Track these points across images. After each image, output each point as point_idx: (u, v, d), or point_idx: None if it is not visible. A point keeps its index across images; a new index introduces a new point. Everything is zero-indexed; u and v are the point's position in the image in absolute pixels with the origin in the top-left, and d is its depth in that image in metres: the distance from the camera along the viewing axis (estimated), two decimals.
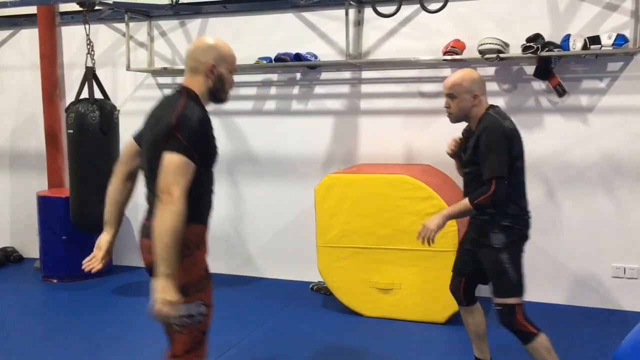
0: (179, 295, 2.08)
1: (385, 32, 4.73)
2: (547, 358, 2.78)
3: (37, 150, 5.75)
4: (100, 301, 4.69)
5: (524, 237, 2.90)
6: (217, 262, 5.34)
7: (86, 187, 4.64)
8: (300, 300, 4.65)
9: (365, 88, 4.89)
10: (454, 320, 4.00)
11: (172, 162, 2.10)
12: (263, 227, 5.21)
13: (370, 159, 4.83)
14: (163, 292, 2.05)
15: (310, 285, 4.91)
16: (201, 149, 2.18)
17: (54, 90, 5.59)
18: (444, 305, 3.98)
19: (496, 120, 2.82)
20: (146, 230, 2.25)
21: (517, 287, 2.81)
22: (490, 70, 4.55)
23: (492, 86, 4.56)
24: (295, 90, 5.05)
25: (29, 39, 5.73)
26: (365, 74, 4.86)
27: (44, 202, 5.27)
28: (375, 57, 4.78)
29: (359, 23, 4.78)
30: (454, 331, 3.92)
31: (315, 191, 4.29)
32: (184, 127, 2.14)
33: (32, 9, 5.50)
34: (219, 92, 2.35)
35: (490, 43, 4.30)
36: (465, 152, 2.95)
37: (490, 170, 2.73)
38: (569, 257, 4.43)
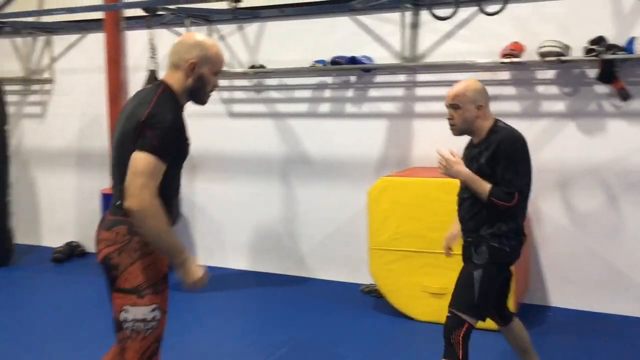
0: (202, 268, 2.16)
1: (441, 34, 4.70)
2: None
3: (101, 150, 5.99)
4: None
5: (507, 263, 2.78)
6: (269, 262, 5.46)
7: None
8: (350, 302, 4.66)
9: (420, 91, 4.86)
10: None
11: (142, 162, 2.03)
12: (315, 228, 5.25)
13: (424, 162, 4.80)
14: (190, 276, 2.13)
15: (361, 287, 4.91)
16: (171, 149, 2.10)
17: (119, 93, 5.80)
18: None
19: (514, 131, 2.74)
20: (104, 222, 2.23)
21: (475, 309, 2.69)
22: (551, 74, 4.45)
23: (552, 89, 4.46)
24: (350, 93, 5.08)
25: (95, 43, 5.97)
26: (420, 77, 4.83)
27: (106, 200, 5.47)
28: (431, 60, 4.74)
29: (415, 26, 4.77)
30: None
31: (368, 194, 4.30)
32: (155, 125, 2.05)
33: (99, 14, 5.74)
34: (198, 93, 2.25)
35: (550, 45, 4.21)
36: (472, 167, 2.76)
37: (517, 182, 2.62)
38: (631, 265, 4.27)
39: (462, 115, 2.76)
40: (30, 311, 4.57)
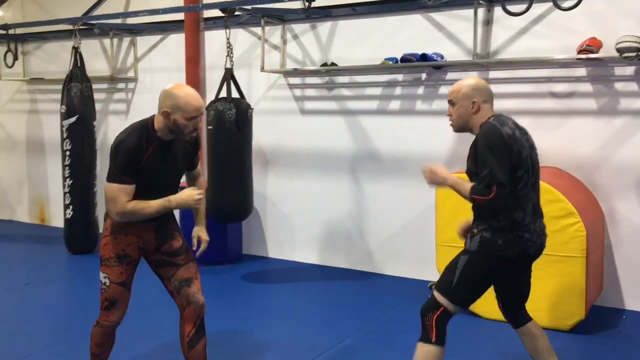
0: (190, 190, 2.73)
1: (515, 31, 4.64)
2: None
3: None
4: (230, 285, 5.03)
5: (504, 258, 2.66)
6: (338, 257, 5.55)
7: (221, 179, 5.01)
8: (417, 298, 4.66)
9: (492, 88, 4.79)
10: (580, 328, 3.86)
11: (105, 191, 2.66)
12: (384, 224, 5.30)
13: None
14: (185, 203, 2.69)
15: (429, 284, 4.92)
16: (128, 171, 2.62)
17: (197, 90, 6.07)
18: (569, 313, 3.85)
19: (494, 126, 2.68)
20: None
21: (452, 293, 2.68)
22: (630, 70, 4.31)
23: (631, 86, 4.32)
24: (420, 90, 5.10)
25: (176, 43, 6.27)
26: (493, 74, 4.79)
27: None
28: (504, 56, 4.70)
29: (487, 22, 4.73)
30: (580, 340, 3.78)
31: (436, 190, 4.31)
32: (114, 154, 2.64)
33: (179, 16, 6.03)
34: (178, 134, 2.70)
35: (629, 41, 4.08)
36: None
37: (490, 176, 2.55)
38: None
39: (457, 111, 2.81)
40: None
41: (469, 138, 4.82)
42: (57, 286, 5.24)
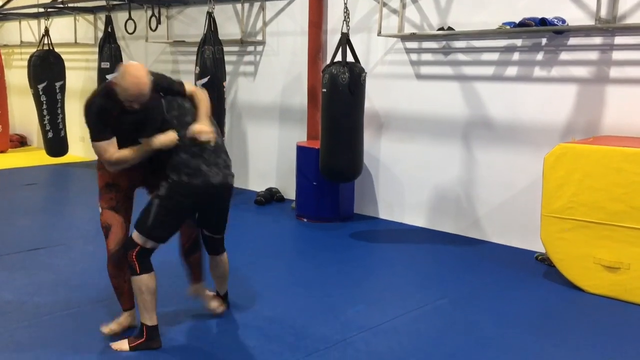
0: (174, 134, 3.10)
1: None
2: (138, 296, 3.09)
3: (301, 106, 6.60)
4: (338, 242, 5.31)
5: (190, 193, 3.08)
6: (446, 222, 5.62)
7: (334, 140, 5.25)
8: (521, 268, 4.66)
9: (617, 55, 4.56)
10: None
11: (94, 149, 3.04)
12: (493, 192, 5.27)
13: (614, 131, 4.54)
14: (164, 142, 3.07)
15: (535, 255, 4.87)
16: (104, 127, 2.99)
17: (318, 54, 6.32)
18: None
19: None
20: None
21: (150, 232, 3.07)
22: None
23: None
24: (539, 56, 4.93)
25: (300, 7, 6.53)
26: (619, 40, 4.52)
27: (301, 152, 6.07)
28: (632, 21, 4.41)
29: None
30: None
31: (544, 159, 4.23)
32: (86, 117, 3.03)
33: None
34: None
35: None
36: None
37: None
38: None
39: None
40: (229, 240, 5.27)
41: (588, 108, 4.67)
42: None
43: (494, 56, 5.19)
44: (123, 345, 3.14)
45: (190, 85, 3.40)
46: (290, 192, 6.70)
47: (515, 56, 5.07)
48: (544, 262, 4.72)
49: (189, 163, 3.08)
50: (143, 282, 3.09)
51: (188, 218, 3.31)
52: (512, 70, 5.10)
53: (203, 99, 3.32)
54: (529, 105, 5.00)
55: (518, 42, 5.03)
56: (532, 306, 3.92)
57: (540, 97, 4.93)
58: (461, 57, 5.39)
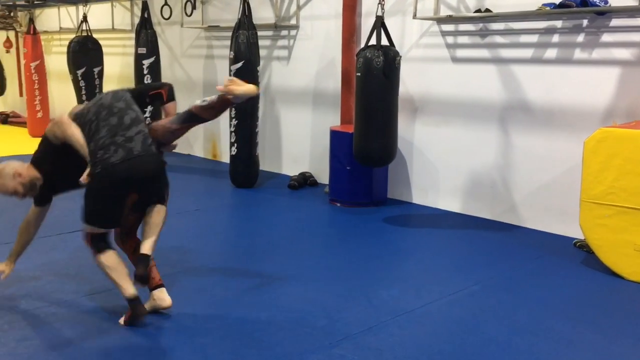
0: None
1: None
2: (107, 274, 3.24)
3: (334, 91, 6.57)
4: (372, 227, 5.30)
5: (110, 178, 3.17)
6: (481, 207, 5.56)
7: (368, 124, 5.22)
8: (558, 254, 4.59)
9: None
10: None
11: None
12: (530, 177, 5.18)
13: None
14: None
15: (574, 241, 4.78)
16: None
17: (352, 37, 6.27)
18: None
19: None
20: None
21: (88, 218, 3.24)
22: None
23: None
24: (580, 38, 4.80)
25: None
26: None
27: (335, 136, 6.06)
28: None
29: None
30: None
31: (584, 144, 4.14)
32: None
33: None
34: None
35: None
36: None
37: None
38: None
39: None
40: (263, 224, 5.43)
41: (630, 91, 4.53)
42: (220, 214, 5.91)
43: (533, 38, 5.07)
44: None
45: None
46: (323, 176, 6.71)
47: (555, 38, 4.95)
48: (582, 249, 4.63)
49: (100, 157, 3.19)
50: (101, 262, 3.25)
51: (115, 201, 3.29)
52: (551, 53, 4.98)
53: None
54: (569, 88, 4.88)
55: (558, 23, 4.91)
56: (570, 293, 3.86)
57: (581, 80, 4.81)
58: (499, 39, 5.28)
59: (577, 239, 4.76)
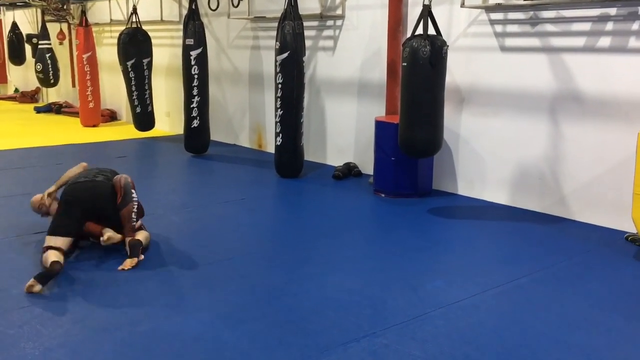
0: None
1: None
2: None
3: (380, 81, 6.54)
4: (415, 218, 5.28)
5: (65, 202, 4.19)
6: (529, 199, 5.47)
7: (413, 115, 5.19)
8: (609, 247, 4.48)
9: None
10: None
11: None
12: (581, 169, 5.06)
13: None
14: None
15: (626, 235, 4.65)
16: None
17: (398, 27, 6.23)
18: None
19: None
20: None
21: (50, 229, 4.04)
22: None
23: None
24: (635, 25, 4.64)
25: None
26: None
27: (380, 127, 6.04)
28: None
29: None
30: None
31: (638, 135, 4.01)
32: None
33: None
34: None
35: None
36: None
37: None
38: None
39: None
40: (307, 214, 5.50)
41: None
42: (266, 204, 5.98)
43: (586, 26, 4.93)
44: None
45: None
46: (367, 167, 6.70)
47: (609, 26, 4.80)
48: (634, 243, 4.51)
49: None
50: (45, 258, 3.85)
51: (74, 217, 4.13)
52: (604, 41, 4.84)
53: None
54: (623, 77, 4.73)
55: (612, 10, 4.75)
56: (621, 287, 3.77)
57: (635, 69, 4.66)
58: (550, 27, 5.15)
59: (629, 232, 4.63)
